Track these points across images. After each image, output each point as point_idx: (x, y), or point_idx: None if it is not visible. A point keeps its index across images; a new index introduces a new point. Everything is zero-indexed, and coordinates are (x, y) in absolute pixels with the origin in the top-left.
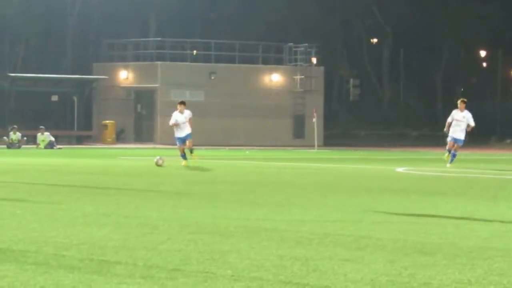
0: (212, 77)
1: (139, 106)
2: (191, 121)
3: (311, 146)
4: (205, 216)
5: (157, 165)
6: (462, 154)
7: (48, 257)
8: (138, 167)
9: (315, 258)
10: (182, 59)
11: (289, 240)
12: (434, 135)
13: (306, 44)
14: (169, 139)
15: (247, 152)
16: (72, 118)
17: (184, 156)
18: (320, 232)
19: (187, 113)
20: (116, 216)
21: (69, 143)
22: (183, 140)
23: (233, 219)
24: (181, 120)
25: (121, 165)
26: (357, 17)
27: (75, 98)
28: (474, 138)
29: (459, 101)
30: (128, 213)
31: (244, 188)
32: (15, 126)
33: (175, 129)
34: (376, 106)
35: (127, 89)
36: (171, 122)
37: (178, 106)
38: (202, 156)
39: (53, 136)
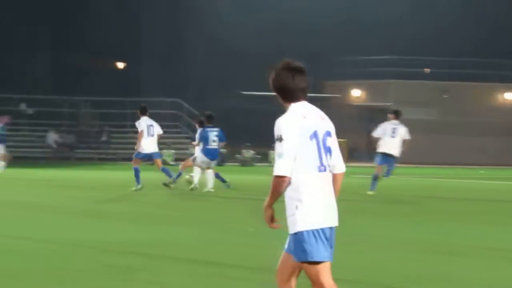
0: (445, 95)
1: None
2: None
3: None
4: (432, 234)
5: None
6: None
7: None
8: (368, 186)
9: None
10: (414, 77)
11: None
12: None
13: None
14: (408, 157)
15: (481, 171)
16: None
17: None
18: None
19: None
20: (341, 235)
21: None
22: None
23: (464, 238)
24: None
25: (352, 184)
26: None
27: None
28: None
29: None
30: (353, 231)
31: (476, 208)
32: (248, 143)
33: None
34: None
35: (359, 107)
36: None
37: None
38: (433, 174)
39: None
